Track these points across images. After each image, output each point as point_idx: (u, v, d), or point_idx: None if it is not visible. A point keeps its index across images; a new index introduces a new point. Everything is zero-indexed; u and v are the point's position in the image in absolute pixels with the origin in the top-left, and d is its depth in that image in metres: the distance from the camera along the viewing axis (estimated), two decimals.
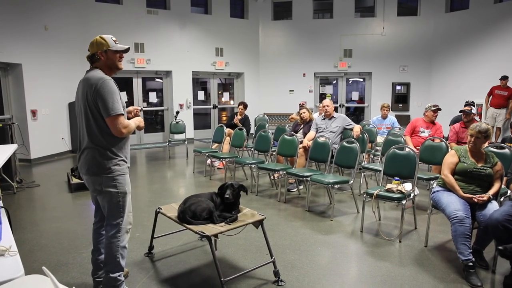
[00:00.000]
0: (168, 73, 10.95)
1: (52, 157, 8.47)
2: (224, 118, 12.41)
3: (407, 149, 4.32)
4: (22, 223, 4.39)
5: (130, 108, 2.81)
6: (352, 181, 4.75)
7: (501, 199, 3.69)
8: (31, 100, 7.92)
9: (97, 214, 2.84)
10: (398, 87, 11.81)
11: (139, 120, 2.72)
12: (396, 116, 8.00)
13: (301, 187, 5.81)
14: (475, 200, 3.23)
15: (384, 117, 7.45)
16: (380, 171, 4.79)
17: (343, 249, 3.71)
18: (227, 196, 3.05)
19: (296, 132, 6.42)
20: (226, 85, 12.71)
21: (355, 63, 11.93)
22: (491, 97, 9.16)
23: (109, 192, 2.56)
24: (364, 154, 5.98)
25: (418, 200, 5.20)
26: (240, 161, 6.08)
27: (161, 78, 11.09)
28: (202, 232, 2.71)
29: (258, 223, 3.01)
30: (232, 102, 12.59)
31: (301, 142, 5.77)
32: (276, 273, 3.03)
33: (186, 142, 8.80)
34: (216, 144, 7.50)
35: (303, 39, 12.12)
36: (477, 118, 6.63)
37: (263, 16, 12.20)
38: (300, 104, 7.43)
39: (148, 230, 3.68)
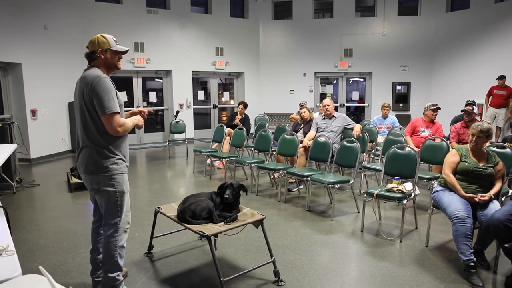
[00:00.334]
0: (168, 73, 10.94)
1: (52, 157, 8.46)
2: (224, 118, 12.40)
3: (407, 149, 4.30)
4: (21, 223, 4.37)
5: (137, 109, 2.80)
6: (352, 181, 4.74)
7: (503, 199, 3.67)
8: (31, 100, 7.91)
9: (95, 213, 2.83)
10: (398, 87, 11.79)
11: (137, 119, 2.70)
12: (397, 116, 7.98)
13: (301, 186, 5.79)
14: (477, 199, 3.21)
15: (385, 116, 7.44)
16: (380, 170, 4.78)
17: (344, 249, 3.69)
18: (227, 196, 3.04)
19: (297, 132, 6.41)
20: (226, 85, 12.70)
21: (355, 62, 11.91)
22: (490, 97, 9.16)
23: (107, 191, 2.55)
24: (364, 153, 5.96)
25: (418, 200, 5.18)
26: (240, 160, 6.06)
27: (161, 78, 11.08)
28: (201, 231, 2.70)
29: (258, 223, 2.99)
30: (232, 102, 12.58)
31: (301, 142, 5.75)
32: (276, 273, 3.01)
33: (186, 142, 8.79)
34: (216, 144, 7.49)
35: (303, 39, 12.11)
36: (478, 118, 6.61)
37: (263, 15, 12.18)
38: (300, 104, 7.42)
39: (148, 229, 3.66)
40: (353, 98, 12.56)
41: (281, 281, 2.99)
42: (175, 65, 10.76)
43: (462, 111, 5.54)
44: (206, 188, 5.81)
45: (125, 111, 2.80)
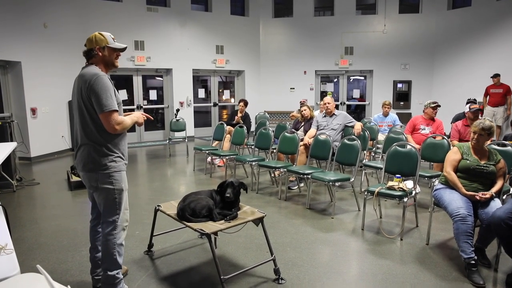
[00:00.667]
0: (168, 71, 10.92)
1: (52, 155, 8.46)
2: (225, 116, 12.38)
3: (408, 147, 4.29)
4: (21, 221, 4.37)
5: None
6: (353, 179, 4.72)
7: (504, 197, 3.66)
8: (31, 98, 7.90)
9: (93, 211, 2.82)
10: (399, 85, 11.76)
11: (137, 116, 2.70)
12: (397, 114, 7.97)
13: (301, 184, 5.78)
14: (478, 197, 3.19)
15: (386, 114, 7.43)
16: (381, 168, 4.77)
17: (344, 247, 3.68)
18: (228, 195, 3.01)
19: (297, 130, 6.39)
20: (227, 83, 12.68)
21: (356, 60, 11.88)
22: (488, 97, 9.16)
23: (105, 189, 2.54)
24: (365, 151, 5.95)
25: (419, 198, 5.17)
26: (240, 158, 6.05)
27: (161, 76, 11.06)
28: (201, 229, 2.69)
29: (258, 221, 2.98)
30: (232, 100, 12.56)
31: (301, 140, 5.74)
32: (277, 271, 3.00)
33: (186, 140, 8.78)
34: (217, 142, 7.48)
35: (304, 37, 12.07)
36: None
37: (264, 13, 12.15)
38: (301, 102, 7.40)
39: (148, 228, 3.65)
40: (353, 96, 12.53)
41: (282, 279, 2.98)
42: (175, 63, 10.74)
43: (471, 108, 5.35)
44: (206, 186, 5.79)
45: (126, 111, 2.79)
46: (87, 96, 2.45)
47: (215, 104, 12.13)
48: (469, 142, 3.49)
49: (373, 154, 6.66)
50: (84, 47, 2.61)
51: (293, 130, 6.01)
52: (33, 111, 7.96)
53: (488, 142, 3.86)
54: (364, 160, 5.87)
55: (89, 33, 2.67)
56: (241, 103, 7.92)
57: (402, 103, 11.75)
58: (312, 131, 5.93)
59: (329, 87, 12.43)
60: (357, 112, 12.65)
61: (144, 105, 10.75)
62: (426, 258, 3.40)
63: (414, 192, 4.01)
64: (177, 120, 8.99)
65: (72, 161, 7.67)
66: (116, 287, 2.62)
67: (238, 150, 7.15)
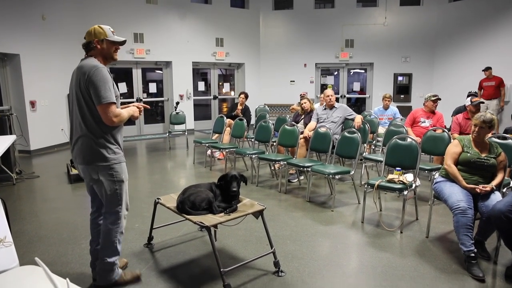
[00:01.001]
0: (168, 64, 10.87)
1: (51, 148, 8.45)
2: (225, 109, 12.35)
3: (409, 140, 4.27)
4: (21, 214, 4.37)
5: (136, 104, 2.78)
6: (353, 172, 4.72)
7: (504, 190, 3.66)
8: (30, 91, 7.87)
9: (93, 204, 2.84)
10: (400, 78, 11.71)
11: (133, 110, 2.70)
12: (398, 107, 7.94)
13: (301, 177, 5.78)
14: (478, 190, 3.19)
15: (386, 107, 7.40)
16: (381, 161, 4.76)
17: (344, 239, 3.69)
18: (234, 189, 3.00)
19: (297, 123, 6.38)
20: (227, 76, 12.63)
21: (356, 53, 11.83)
22: (482, 90, 9.16)
23: (106, 181, 2.56)
24: (365, 144, 5.94)
25: (419, 191, 5.17)
26: (240, 151, 6.04)
27: (161, 69, 11.02)
28: (201, 222, 2.68)
29: (258, 214, 2.98)
30: (232, 93, 12.53)
31: (302, 133, 5.72)
32: (276, 264, 3.00)
33: (186, 133, 8.76)
34: (217, 135, 7.47)
35: (304, 29, 12.00)
36: None
37: (264, 5, 12.06)
38: (301, 95, 7.37)
39: (148, 220, 3.65)
40: (354, 89, 12.49)
41: (281, 271, 2.99)
42: (175, 56, 10.69)
43: (472, 101, 5.31)
44: (206, 179, 5.78)
45: (124, 104, 2.81)
46: (85, 88, 2.45)
47: (215, 97, 12.10)
48: (470, 135, 3.47)
49: (373, 147, 6.65)
50: (84, 40, 2.61)
51: (293, 123, 5.99)
52: (32, 104, 7.93)
53: (489, 135, 3.84)
54: (364, 153, 5.86)
55: (88, 25, 2.66)
56: (242, 96, 7.89)
57: (402, 96, 11.72)
58: (312, 124, 5.92)
59: (329, 80, 12.39)
60: (357, 105, 12.62)
61: (143, 98, 10.71)
62: (425, 251, 3.41)
63: (414, 185, 4.01)
64: (177, 113, 8.97)
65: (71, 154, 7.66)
66: (113, 272, 2.70)
67: (238, 143, 7.14)
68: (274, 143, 6.26)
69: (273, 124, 6.36)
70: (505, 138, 4.07)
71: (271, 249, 3.02)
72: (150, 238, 3.50)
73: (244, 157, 6.57)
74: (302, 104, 6.44)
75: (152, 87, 10.91)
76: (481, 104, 5.28)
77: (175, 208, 2.99)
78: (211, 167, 6.73)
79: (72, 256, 3.28)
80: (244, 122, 6.78)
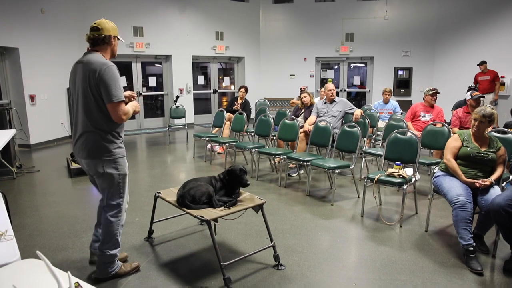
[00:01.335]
0: (167, 58, 10.83)
1: (51, 143, 8.45)
2: (225, 103, 12.34)
3: (408, 134, 4.28)
4: (22, 208, 4.38)
5: (126, 93, 2.76)
6: (353, 166, 4.72)
7: (503, 184, 3.66)
8: (29, 85, 7.85)
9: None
10: (400, 72, 11.68)
11: (135, 105, 2.75)
12: (398, 101, 7.94)
13: (301, 171, 5.79)
14: (478, 185, 3.19)
15: (386, 102, 7.40)
16: (381, 156, 4.77)
17: (344, 233, 3.70)
18: (248, 182, 3.05)
19: (297, 117, 6.37)
20: (227, 70, 12.60)
21: (357, 47, 11.78)
22: (477, 85, 9.15)
23: (110, 174, 2.63)
24: (365, 138, 5.94)
25: (419, 185, 5.18)
26: (240, 145, 6.04)
27: (160, 63, 10.98)
28: (201, 216, 2.69)
29: (258, 208, 2.99)
30: (232, 87, 12.50)
31: (301, 127, 5.72)
32: (276, 257, 3.02)
33: (186, 127, 8.76)
34: (216, 129, 7.47)
35: (304, 23, 11.95)
36: None
37: None
38: (301, 89, 7.36)
39: (148, 214, 3.66)
40: (354, 83, 12.46)
41: (281, 265, 3.00)
42: (174, 49, 10.65)
43: (473, 97, 5.31)
44: (206, 173, 5.80)
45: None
46: (95, 85, 2.47)
47: (214, 91, 12.07)
48: (470, 129, 3.47)
49: (373, 141, 6.65)
50: (86, 33, 2.62)
51: (293, 117, 5.99)
52: (32, 98, 7.92)
53: (489, 129, 3.84)
54: (364, 147, 5.86)
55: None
56: (242, 89, 7.88)
57: (402, 90, 11.70)
58: (312, 118, 5.91)
59: (330, 74, 12.36)
60: (358, 99, 12.60)
61: (143, 92, 10.69)
62: (425, 245, 3.42)
63: (413, 179, 4.02)
64: (177, 107, 8.95)
65: (72, 149, 7.66)
66: (113, 264, 2.76)
67: (238, 137, 7.14)
68: (274, 137, 6.27)
69: (273, 118, 6.36)
70: (505, 133, 4.08)
71: (271, 242, 3.04)
72: (150, 232, 3.51)
73: (244, 151, 6.57)
74: (302, 98, 6.44)
75: (152, 81, 10.88)
76: (481, 99, 5.28)
77: (175, 202, 3.00)
78: (211, 161, 6.73)
79: (72, 250, 3.30)
80: (244, 116, 6.77)
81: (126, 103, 2.64)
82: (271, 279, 2.83)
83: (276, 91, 12.18)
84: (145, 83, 10.84)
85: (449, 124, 5.37)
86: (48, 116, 8.35)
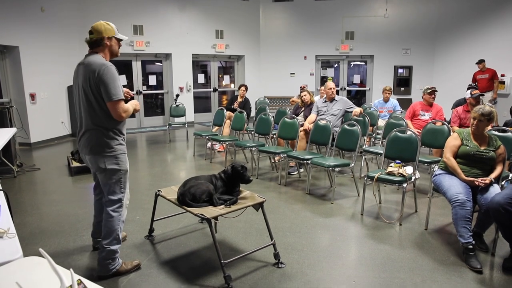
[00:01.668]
0: (167, 56, 10.83)
1: (52, 141, 8.46)
2: (225, 102, 12.34)
3: (408, 132, 4.29)
4: (22, 207, 4.40)
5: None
6: (353, 164, 4.73)
7: (503, 183, 3.67)
8: (30, 84, 7.85)
9: (97, 187, 3.04)
10: (400, 70, 11.68)
11: (135, 104, 2.84)
12: (398, 100, 7.93)
13: (301, 170, 5.80)
14: (477, 183, 3.20)
15: (386, 100, 7.40)
16: (381, 154, 4.78)
17: (343, 231, 3.71)
18: (251, 178, 3.11)
19: (297, 115, 6.38)
20: (227, 68, 12.60)
21: (357, 45, 11.78)
22: (476, 83, 9.15)
23: (112, 170, 2.72)
24: (365, 137, 5.95)
25: (419, 184, 5.19)
26: (240, 144, 6.05)
27: (160, 61, 10.98)
28: (202, 214, 2.70)
29: (258, 206, 3.00)
30: (232, 85, 12.50)
31: (302, 125, 5.73)
32: (276, 256, 3.03)
33: (186, 126, 8.77)
34: (217, 127, 7.47)
35: (304, 21, 11.94)
36: None
37: None
38: (301, 87, 7.37)
39: (148, 213, 3.68)
40: (354, 82, 12.47)
41: (281, 263, 3.01)
42: (174, 48, 10.65)
43: (473, 93, 5.30)
44: (206, 172, 5.80)
45: None
46: (95, 85, 2.58)
47: (215, 90, 12.07)
48: (469, 128, 3.48)
49: (373, 140, 6.66)
50: (86, 33, 2.73)
51: (293, 115, 6.00)
52: (32, 96, 7.92)
53: (489, 127, 3.85)
54: (364, 146, 5.87)
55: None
56: (242, 88, 7.89)
57: (402, 88, 11.70)
58: (312, 116, 5.92)
59: (330, 73, 12.36)
60: (358, 97, 12.60)
61: (143, 90, 10.70)
62: (424, 243, 3.44)
63: (413, 178, 4.03)
64: (177, 106, 8.96)
65: (73, 147, 7.69)
66: (115, 262, 2.80)
67: (238, 136, 7.15)
68: (274, 136, 6.28)
69: (273, 116, 6.37)
70: (504, 131, 4.08)
71: (271, 241, 3.05)
72: (151, 230, 3.52)
73: (244, 150, 6.58)
74: (302, 96, 6.44)
75: (152, 80, 10.88)
76: (481, 97, 5.28)
77: (176, 200, 3.01)
78: (211, 159, 6.74)
79: (73, 248, 3.31)
80: (244, 115, 6.78)
81: (126, 101, 2.72)
82: (271, 277, 2.85)
83: (276, 89, 12.18)
84: (145, 81, 10.84)
85: (449, 122, 5.38)
86: (49, 115, 8.35)
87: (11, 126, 6.07)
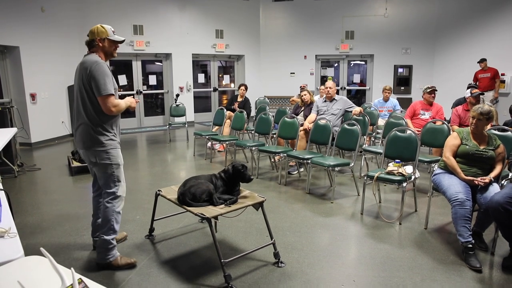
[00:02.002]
0: (167, 56, 10.84)
1: (52, 141, 8.47)
2: (225, 101, 12.34)
3: (408, 132, 4.29)
4: (23, 206, 4.41)
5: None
6: (352, 164, 4.74)
7: (503, 182, 3.68)
8: (30, 84, 7.86)
9: (95, 184, 3.14)
10: (400, 70, 11.68)
11: (130, 101, 2.96)
12: (398, 99, 7.94)
13: (301, 169, 5.81)
14: (477, 182, 3.21)
15: (386, 99, 7.41)
16: (381, 153, 4.78)
17: (343, 231, 3.72)
18: (252, 177, 3.14)
19: (297, 115, 6.39)
20: (227, 68, 12.61)
21: (357, 45, 11.78)
22: (477, 82, 9.15)
23: (103, 164, 2.84)
24: (365, 136, 5.96)
25: (418, 183, 5.20)
26: (240, 143, 6.06)
27: (160, 61, 10.99)
28: (202, 214, 2.71)
29: (258, 205, 3.01)
30: (232, 85, 12.51)
31: (301, 125, 5.74)
32: (276, 255, 3.04)
33: (186, 125, 8.78)
34: (217, 127, 7.48)
35: (304, 21, 11.95)
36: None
37: None
38: (301, 87, 7.38)
39: (149, 212, 3.69)
40: (354, 81, 12.47)
41: (281, 262, 3.02)
42: (174, 48, 10.66)
43: (472, 92, 5.32)
44: (206, 171, 5.81)
45: (125, 96, 3.12)
46: (87, 81, 2.72)
47: (215, 89, 12.08)
48: (469, 127, 3.49)
49: (373, 139, 6.67)
50: (87, 37, 2.87)
51: (293, 115, 6.00)
52: (33, 96, 7.93)
53: (488, 127, 3.85)
54: (364, 145, 5.88)
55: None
56: (242, 87, 7.90)
57: (402, 88, 11.70)
58: (312, 116, 5.93)
59: (330, 72, 12.36)
60: (358, 97, 12.60)
61: (143, 90, 10.71)
62: (424, 242, 3.44)
63: (413, 177, 4.03)
64: (177, 105, 8.97)
65: (73, 147, 7.69)
66: (110, 251, 2.89)
67: (238, 135, 7.16)
68: (274, 135, 6.28)
69: (273, 116, 6.37)
70: (504, 130, 4.09)
71: (271, 240, 3.06)
72: (151, 229, 3.53)
73: (244, 149, 6.59)
74: (302, 95, 6.45)
75: (152, 79, 10.89)
76: (481, 96, 5.28)
77: (176, 200, 3.02)
78: (211, 159, 6.75)
79: (74, 247, 3.32)
80: (244, 114, 6.79)
81: (122, 97, 2.89)
82: (271, 276, 2.86)
83: (276, 89, 12.19)
84: (145, 81, 10.85)
85: (449, 121, 5.38)
86: (49, 115, 8.36)
87: (12, 126, 6.09)
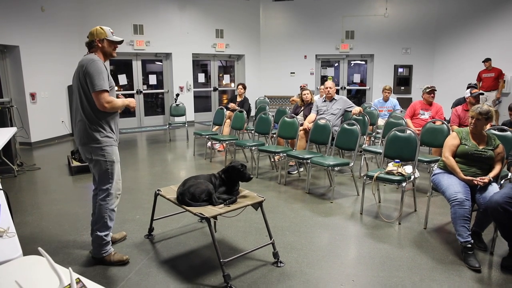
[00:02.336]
0: (168, 55, 10.84)
1: (52, 140, 8.47)
2: (225, 101, 12.34)
3: (408, 132, 4.29)
4: (23, 206, 4.41)
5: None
6: (352, 164, 4.74)
7: (502, 182, 3.68)
8: (30, 83, 7.86)
9: (95, 182, 3.12)
10: (400, 70, 11.68)
11: (129, 101, 3.03)
12: (398, 99, 7.94)
13: (301, 169, 5.81)
14: (476, 182, 3.21)
15: (386, 99, 7.41)
16: (380, 153, 4.78)
17: (343, 231, 3.72)
18: (252, 176, 3.15)
19: (297, 115, 6.39)
20: (227, 68, 12.61)
21: (357, 45, 11.78)
22: (481, 82, 9.14)
23: (98, 161, 2.89)
24: (365, 136, 5.96)
25: (418, 183, 5.20)
26: (240, 143, 6.06)
27: (160, 61, 10.99)
28: (201, 214, 2.71)
29: (258, 205, 3.01)
30: (232, 84, 12.51)
31: (301, 125, 5.74)
32: (276, 255, 3.04)
33: (186, 125, 8.78)
34: (217, 127, 7.48)
35: (304, 21, 11.95)
36: None
37: None
38: (301, 87, 7.37)
39: (148, 212, 3.69)
40: (354, 81, 12.47)
41: (280, 262, 3.02)
42: (175, 47, 10.66)
43: (472, 92, 5.32)
44: (206, 171, 5.81)
45: (125, 96, 3.18)
46: (83, 78, 2.79)
47: (215, 89, 12.08)
48: (468, 127, 3.49)
49: (373, 139, 6.67)
50: (87, 38, 2.95)
51: (292, 115, 6.00)
52: (33, 96, 7.94)
53: (487, 127, 3.85)
54: (364, 145, 5.88)
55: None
56: (240, 87, 7.89)
57: (402, 88, 11.70)
58: (312, 115, 5.93)
59: (330, 72, 12.36)
60: (358, 97, 12.60)
61: (143, 89, 10.71)
62: (423, 242, 3.44)
63: (412, 177, 4.03)
64: (177, 105, 8.97)
65: (73, 146, 7.70)
66: (103, 247, 2.97)
67: (238, 135, 7.16)
68: (274, 135, 6.28)
69: (273, 116, 6.37)
70: (503, 130, 4.09)
71: (271, 240, 3.06)
72: (151, 229, 3.53)
73: (244, 149, 6.59)
74: (304, 95, 6.44)
75: (152, 79, 10.89)
76: (481, 96, 5.28)
77: (175, 199, 3.02)
78: (211, 159, 6.76)
79: (73, 247, 3.32)
80: (244, 114, 6.79)
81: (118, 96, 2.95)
82: (270, 276, 2.86)
83: (276, 88, 12.19)
84: (145, 81, 10.85)
85: (448, 121, 5.38)
86: (49, 114, 8.36)
87: (12, 126, 6.08)
